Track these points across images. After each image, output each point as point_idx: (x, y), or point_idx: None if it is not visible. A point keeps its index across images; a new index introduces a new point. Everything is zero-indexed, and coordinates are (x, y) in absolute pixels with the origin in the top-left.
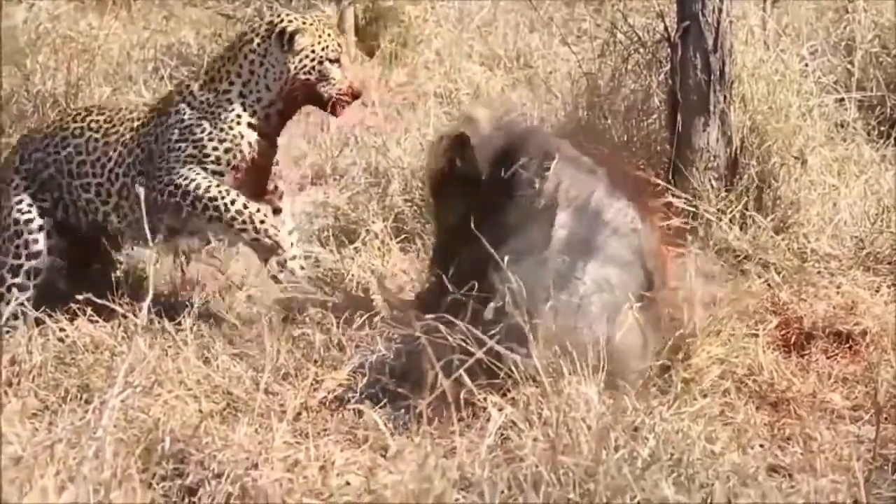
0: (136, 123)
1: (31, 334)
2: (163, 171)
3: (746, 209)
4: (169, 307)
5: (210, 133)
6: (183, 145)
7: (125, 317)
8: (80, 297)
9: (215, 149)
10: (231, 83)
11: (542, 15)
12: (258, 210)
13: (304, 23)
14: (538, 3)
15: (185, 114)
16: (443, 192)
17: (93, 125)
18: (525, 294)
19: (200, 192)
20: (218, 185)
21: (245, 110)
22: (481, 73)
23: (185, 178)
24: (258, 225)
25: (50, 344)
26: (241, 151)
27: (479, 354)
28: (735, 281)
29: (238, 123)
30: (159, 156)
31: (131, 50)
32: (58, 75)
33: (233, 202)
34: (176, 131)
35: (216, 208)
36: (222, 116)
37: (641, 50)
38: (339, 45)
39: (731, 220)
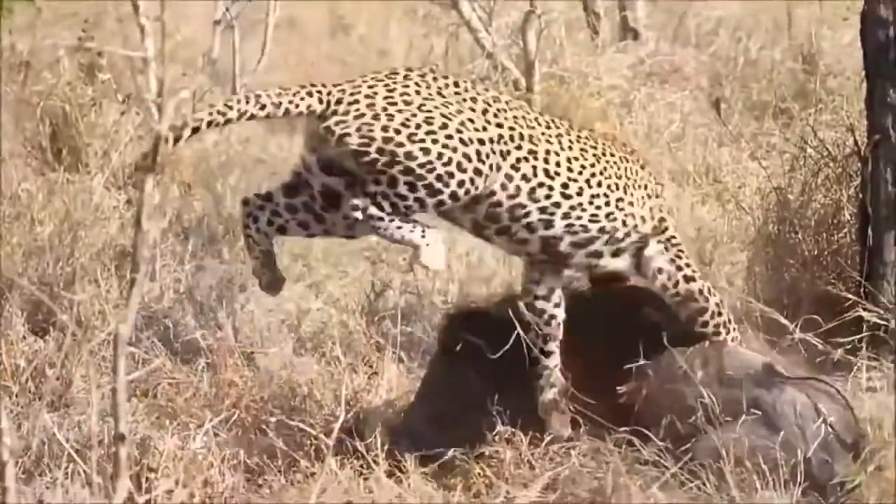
0: None
1: (224, 455)
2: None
3: None
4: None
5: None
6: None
7: (316, 438)
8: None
9: None
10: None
11: (732, 130)
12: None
13: None
14: (727, 119)
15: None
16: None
17: None
18: None
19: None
20: None
21: None
22: (671, 188)
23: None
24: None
25: (241, 466)
26: None
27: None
28: None
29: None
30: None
31: None
32: None
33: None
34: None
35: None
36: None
37: (832, 164)
38: None
39: None
